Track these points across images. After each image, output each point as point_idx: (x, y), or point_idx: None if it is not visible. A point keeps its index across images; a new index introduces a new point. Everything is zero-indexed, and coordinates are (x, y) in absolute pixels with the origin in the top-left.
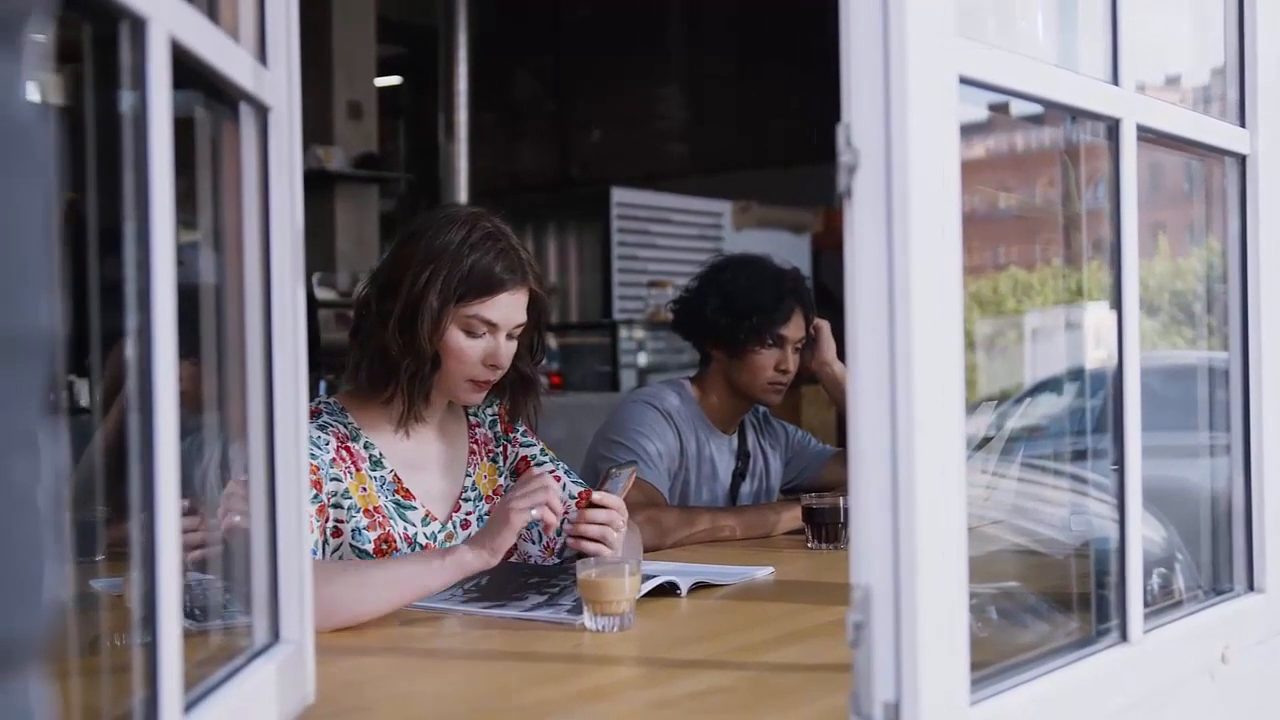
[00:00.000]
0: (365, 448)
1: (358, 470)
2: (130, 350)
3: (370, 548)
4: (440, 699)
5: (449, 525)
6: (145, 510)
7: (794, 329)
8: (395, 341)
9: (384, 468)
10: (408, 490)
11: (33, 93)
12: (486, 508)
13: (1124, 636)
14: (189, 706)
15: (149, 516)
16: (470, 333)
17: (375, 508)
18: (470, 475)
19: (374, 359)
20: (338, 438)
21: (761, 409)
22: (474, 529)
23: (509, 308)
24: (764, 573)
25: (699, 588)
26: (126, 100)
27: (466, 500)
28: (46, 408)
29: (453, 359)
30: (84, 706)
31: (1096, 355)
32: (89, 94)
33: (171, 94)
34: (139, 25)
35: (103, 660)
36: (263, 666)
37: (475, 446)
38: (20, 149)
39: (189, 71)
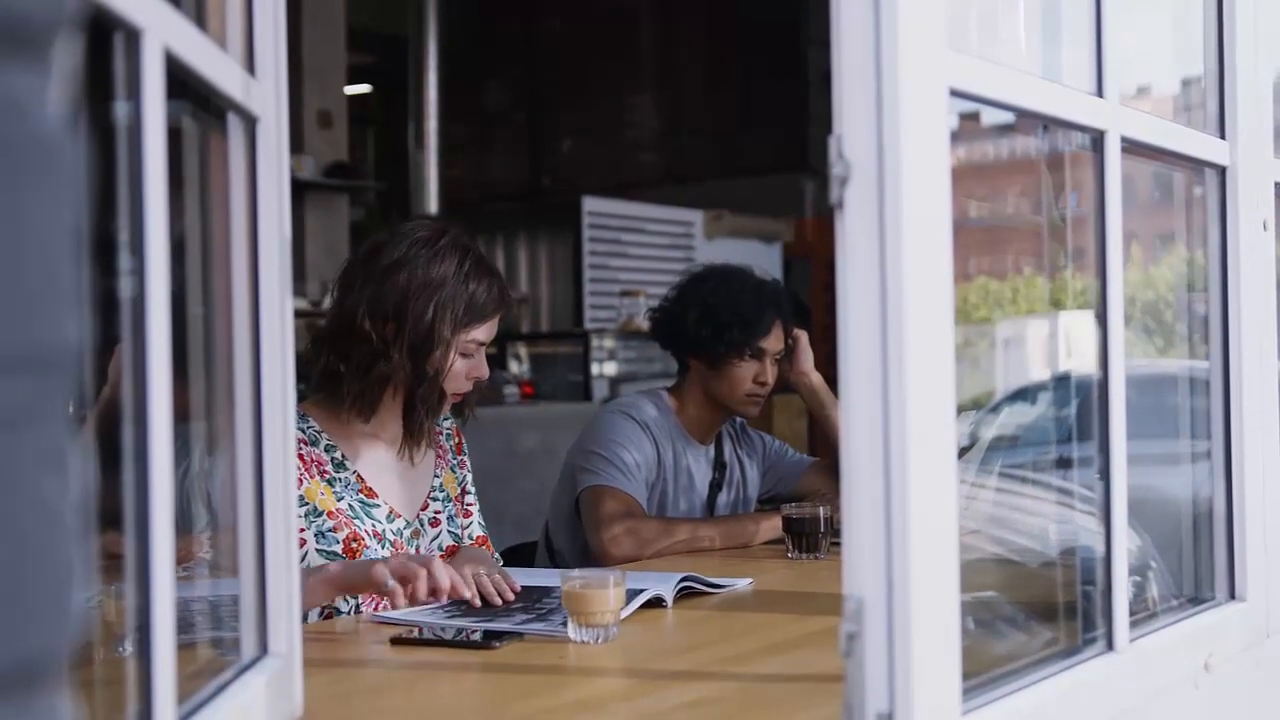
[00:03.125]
0: (327, 450)
1: (312, 476)
2: (119, 360)
3: (339, 548)
4: (428, 712)
5: (416, 523)
6: (139, 523)
7: (774, 342)
8: (405, 372)
9: (347, 469)
10: (371, 489)
11: (60, 107)
12: (454, 508)
13: (1110, 645)
14: None
15: (142, 530)
16: (465, 354)
17: (338, 509)
18: (438, 476)
19: (376, 385)
20: None
21: (739, 419)
22: (444, 527)
23: (495, 326)
24: (744, 584)
25: (685, 595)
26: (120, 110)
27: (435, 499)
28: (72, 423)
29: (447, 380)
30: None
31: (1071, 364)
32: (80, 104)
33: (165, 104)
34: (134, 36)
35: (86, 674)
36: (252, 680)
37: (440, 450)
38: (49, 164)
39: (177, 81)
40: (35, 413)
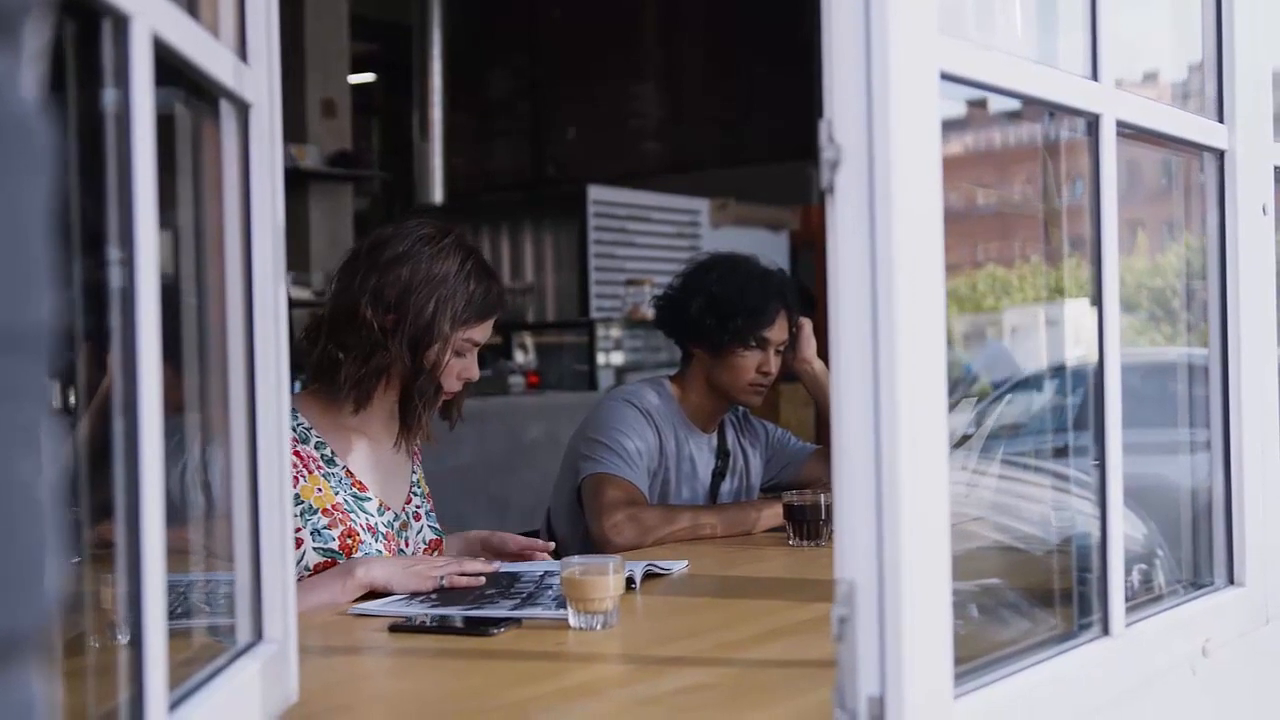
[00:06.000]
0: (316, 447)
1: (310, 472)
2: (112, 351)
3: (335, 545)
4: (424, 698)
5: (403, 515)
6: (130, 511)
7: (778, 331)
8: (403, 363)
9: (337, 465)
10: (361, 482)
11: (31, 89)
12: (429, 505)
13: (1106, 630)
14: (173, 705)
15: (133, 518)
16: (459, 353)
17: (334, 505)
18: (415, 473)
19: (374, 375)
20: None
21: (741, 407)
22: (424, 522)
23: (490, 328)
24: (679, 566)
25: (648, 578)
26: (108, 97)
27: (416, 494)
28: (47, 403)
29: (441, 376)
30: (65, 707)
31: (1075, 352)
32: (69, 91)
33: (154, 91)
34: (121, 22)
35: (82, 661)
36: (246, 665)
37: (416, 449)
38: (20, 145)
39: (168, 68)
40: (7, 391)
